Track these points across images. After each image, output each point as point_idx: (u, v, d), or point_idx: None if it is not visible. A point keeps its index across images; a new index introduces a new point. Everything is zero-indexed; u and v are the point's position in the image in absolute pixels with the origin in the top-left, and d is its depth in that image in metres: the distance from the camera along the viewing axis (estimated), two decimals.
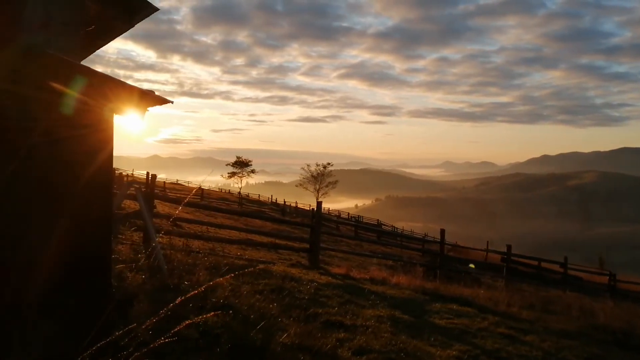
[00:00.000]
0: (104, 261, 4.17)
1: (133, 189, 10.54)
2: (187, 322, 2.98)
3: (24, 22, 4.28)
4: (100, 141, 4.16)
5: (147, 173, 10.78)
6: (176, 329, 2.94)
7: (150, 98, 3.78)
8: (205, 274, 7.09)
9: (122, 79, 3.77)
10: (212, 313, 3.31)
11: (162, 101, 3.84)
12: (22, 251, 3.70)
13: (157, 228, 11.12)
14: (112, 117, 4.16)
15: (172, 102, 3.86)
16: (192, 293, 3.16)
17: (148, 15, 5.02)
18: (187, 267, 7.39)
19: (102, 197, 4.27)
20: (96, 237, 4.23)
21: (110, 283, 4.38)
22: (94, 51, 6.60)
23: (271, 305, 6.16)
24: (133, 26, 5.47)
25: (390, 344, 5.94)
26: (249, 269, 6.11)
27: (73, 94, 3.76)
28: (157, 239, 8.70)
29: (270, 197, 73.67)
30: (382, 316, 7.48)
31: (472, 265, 17.48)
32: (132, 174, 59.10)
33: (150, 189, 10.49)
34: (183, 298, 3.10)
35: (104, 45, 6.40)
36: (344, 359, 4.97)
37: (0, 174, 3.58)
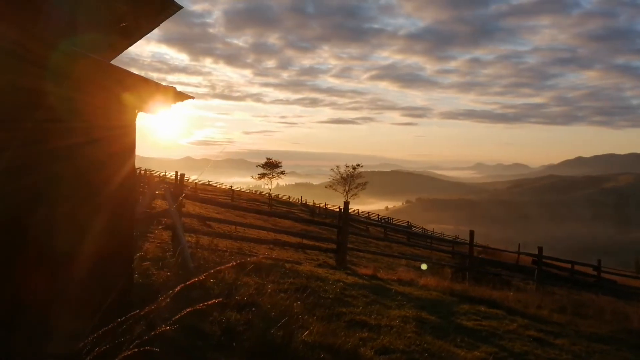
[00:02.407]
0: (126, 259, 4.22)
1: (162, 188, 10.66)
2: (188, 309, 3.00)
3: (52, 21, 4.36)
4: (126, 140, 4.20)
5: (176, 172, 10.90)
6: (177, 317, 2.96)
7: (172, 94, 3.80)
8: (231, 273, 7.11)
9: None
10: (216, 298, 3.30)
11: (183, 97, 3.86)
12: (56, 249, 3.76)
13: (187, 227, 11.23)
14: (135, 115, 4.20)
15: (193, 98, 3.88)
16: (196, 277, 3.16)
17: (172, 14, 5.07)
18: (213, 265, 7.43)
19: (126, 196, 4.31)
20: (120, 235, 4.27)
21: (132, 279, 4.42)
22: (122, 51, 6.70)
23: (295, 304, 6.14)
24: (159, 25, 5.53)
25: (415, 344, 5.87)
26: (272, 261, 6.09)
27: (106, 94, 3.82)
28: (186, 238, 8.78)
29: (300, 198, 73.80)
30: (408, 317, 7.40)
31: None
32: (165, 175, 59.76)
33: (178, 189, 10.58)
34: (184, 285, 3.13)
35: (132, 44, 6.48)
36: (366, 358, 4.93)
37: (44, 173, 3.64)
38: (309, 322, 5.56)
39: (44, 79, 3.52)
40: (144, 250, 7.62)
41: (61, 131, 3.74)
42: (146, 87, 3.83)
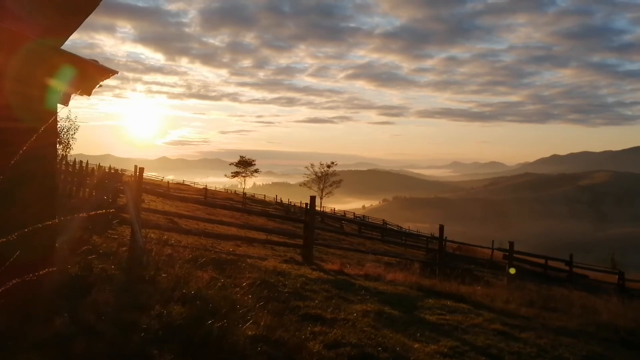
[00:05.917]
0: (46, 250, 3.93)
1: (121, 182, 10.33)
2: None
3: None
4: (47, 128, 3.91)
5: (135, 167, 10.55)
6: None
7: (94, 68, 3.51)
8: (184, 267, 6.83)
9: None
10: None
11: (108, 72, 3.57)
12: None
13: (150, 224, 10.89)
14: (57, 98, 3.89)
15: (117, 72, 3.58)
16: None
17: None
18: (167, 260, 7.14)
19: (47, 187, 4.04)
20: (39, 229, 4.01)
21: (51, 272, 4.12)
22: (70, 34, 6.36)
23: (246, 297, 5.89)
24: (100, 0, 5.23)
25: (369, 337, 5.64)
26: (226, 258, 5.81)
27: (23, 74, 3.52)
28: (148, 234, 8.47)
29: (275, 197, 73.41)
30: (369, 311, 7.18)
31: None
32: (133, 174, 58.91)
33: (137, 183, 10.23)
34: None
35: (78, 25, 6.15)
36: (312, 352, 4.68)
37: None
38: (259, 315, 5.29)
39: None
40: (91, 243, 7.28)
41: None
42: (69, 62, 3.53)
